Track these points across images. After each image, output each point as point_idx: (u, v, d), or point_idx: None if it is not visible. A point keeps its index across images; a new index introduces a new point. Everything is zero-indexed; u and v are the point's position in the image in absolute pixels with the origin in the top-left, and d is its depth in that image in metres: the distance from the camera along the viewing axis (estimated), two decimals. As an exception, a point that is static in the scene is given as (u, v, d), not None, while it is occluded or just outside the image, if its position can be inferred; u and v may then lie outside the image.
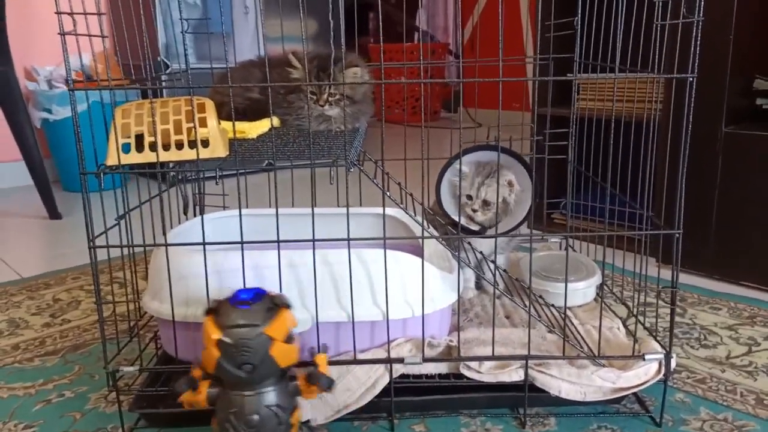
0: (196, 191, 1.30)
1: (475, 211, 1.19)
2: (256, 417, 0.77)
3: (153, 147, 0.91)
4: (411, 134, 1.12)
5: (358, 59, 1.22)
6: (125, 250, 0.96)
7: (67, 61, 0.85)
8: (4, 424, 1.00)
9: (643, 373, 0.96)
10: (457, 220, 1.15)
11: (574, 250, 1.41)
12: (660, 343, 1.00)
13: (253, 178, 0.88)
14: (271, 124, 1.04)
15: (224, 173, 0.92)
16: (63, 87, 2.57)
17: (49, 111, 2.48)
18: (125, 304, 1.08)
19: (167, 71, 2.59)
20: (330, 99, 1.18)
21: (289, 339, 0.77)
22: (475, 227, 1.21)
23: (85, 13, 0.88)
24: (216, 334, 0.75)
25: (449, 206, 1.20)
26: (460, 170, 1.15)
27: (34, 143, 2.20)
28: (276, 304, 0.78)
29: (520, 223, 1.18)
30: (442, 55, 4.46)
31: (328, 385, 0.80)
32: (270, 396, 0.78)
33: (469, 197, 1.19)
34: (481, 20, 4.09)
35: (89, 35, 0.89)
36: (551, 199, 1.56)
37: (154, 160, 0.91)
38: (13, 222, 2.22)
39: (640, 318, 1.06)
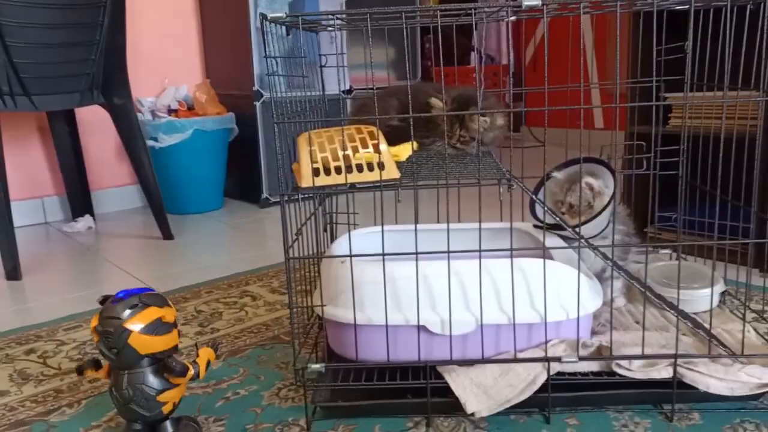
0: (331, 210, 1.43)
1: (563, 213, 1.29)
2: (126, 391, 0.96)
3: (339, 170, 1.04)
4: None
5: (496, 104, 1.32)
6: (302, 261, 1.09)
7: (273, 97, 0.99)
8: (196, 416, 1.13)
9: (784, 370, 1.04)
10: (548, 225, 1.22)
11: (686, 260, 1.49)
12: (794, 344, 1.08)
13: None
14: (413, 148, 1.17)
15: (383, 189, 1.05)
16: (166, 116, 2.76)
17: (156, 139, 2.66)
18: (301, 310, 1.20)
19: (261, 100, 2.76)
20: (461, 139, 1.29)
21: (149, 331, 0.94)
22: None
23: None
24: (95, 322, 0.95)
25: (541, 213, 1.29)
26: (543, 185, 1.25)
27: (150, 169, 2.38)
28: (143, 303, 0.94)
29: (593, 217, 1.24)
30: (503, 76, 4.58)
31: (180, 371, 0.96)
32: (139, 377, 0.96)
33: (561, 202, 1.30)
34: (541, 43, 4.19)
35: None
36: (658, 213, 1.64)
37: (342, 182, 1.04)
38: (133, 242, 2.40)
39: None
